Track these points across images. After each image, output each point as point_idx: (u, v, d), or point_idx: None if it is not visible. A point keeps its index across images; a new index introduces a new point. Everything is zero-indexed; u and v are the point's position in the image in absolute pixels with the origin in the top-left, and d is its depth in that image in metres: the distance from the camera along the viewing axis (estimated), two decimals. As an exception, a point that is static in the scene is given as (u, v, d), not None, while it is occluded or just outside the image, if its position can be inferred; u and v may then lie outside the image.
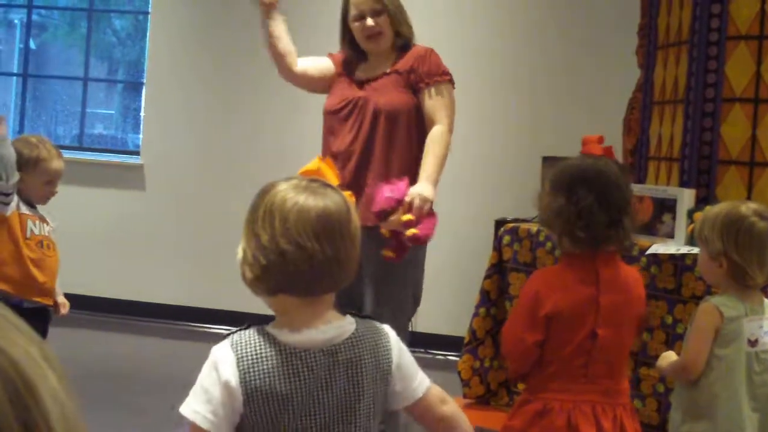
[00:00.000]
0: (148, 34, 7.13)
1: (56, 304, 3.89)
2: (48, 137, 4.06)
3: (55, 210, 3.96)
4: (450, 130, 4.00)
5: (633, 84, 5.34)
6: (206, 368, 1.84)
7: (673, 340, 4.12)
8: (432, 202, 3.69)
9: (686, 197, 4.41)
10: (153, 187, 6.99)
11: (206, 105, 6.88)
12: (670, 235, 4.41)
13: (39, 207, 3.89)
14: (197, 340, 6.50)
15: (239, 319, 6.12)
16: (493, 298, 4.93)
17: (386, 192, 3.64)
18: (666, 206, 4.45)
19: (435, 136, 3.93)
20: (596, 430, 2.61)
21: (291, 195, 1.85)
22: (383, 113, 3.97)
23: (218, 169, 6.83)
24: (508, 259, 4.91)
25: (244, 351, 1.83)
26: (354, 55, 4.17)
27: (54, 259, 3.87)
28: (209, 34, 6.93)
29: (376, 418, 1.92)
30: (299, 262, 1.81)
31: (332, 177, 2.11)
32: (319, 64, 4.22)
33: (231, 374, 1.81)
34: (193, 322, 6.79)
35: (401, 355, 1.95)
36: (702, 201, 4.46)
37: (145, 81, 7.16)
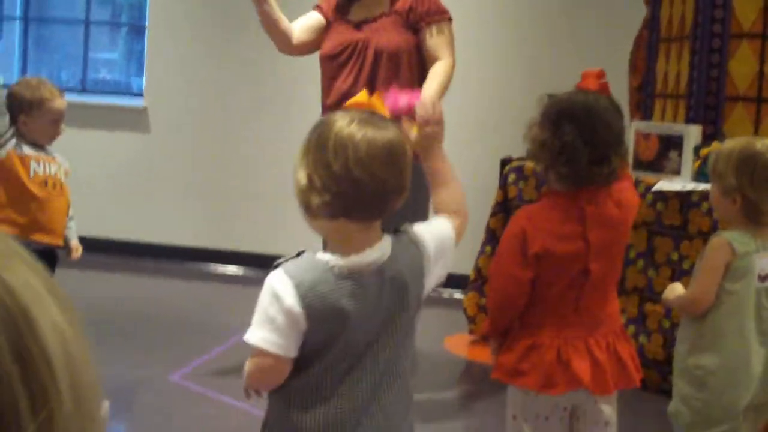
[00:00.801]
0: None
1: (68, 247, 3.91)
2: (52, 81, 4.06)
3: (61, 153, 3.97)
4: (453, 65, 4.01)
5: (639, 21, 5.30)
6: (266, 298, 1.90)
7: (679, 276, 4.13)
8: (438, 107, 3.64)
9: (693, 134, 4.40)
10: (157, 129, 6.98)
11: (208, 46, 6.85)
12: (677, 172, 4.40)
13: (51, 150, 3.89)
14: (205, 280, 6.53)
15: (244, 259, 6.14)
16: (499, 236, 4.93)
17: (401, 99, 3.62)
18: (672, 143, 4.44)
19: (437, 68, 3.96)
20: (590, 362, 2.60)
21: (358, 128, 1.93)
22: (385, 54, 3.95)
23: (221, 109, 6.81)
24: (514, 198, 4.91)
25: (301, 277, 1.90)
26: None
27: (62, 199, 3.87)
28: None
29: (415, 321, 2.06)
30: (370, 189, 1.91)
31: (383, 110, 2.11)
32: (308, 23, 4.17)
33: (292, 300, 1.88)
34: (201, 262, 6.82)
35: (427, 244, 2.07)
36: (709, 138, 4.45)
37: (147, 24, 7.12)
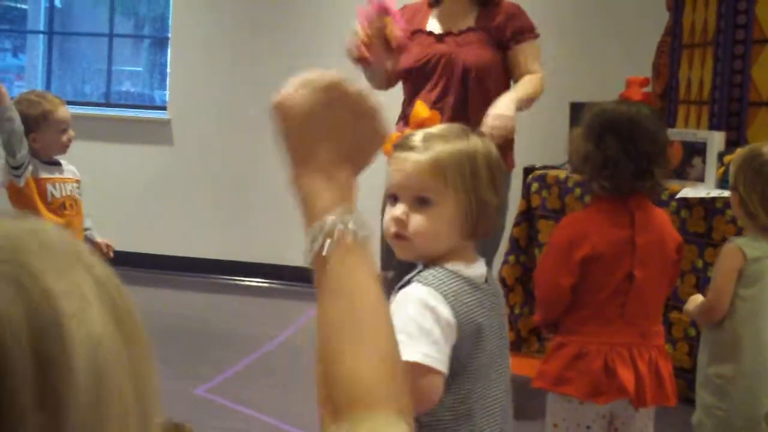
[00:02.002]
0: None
1: (97, 245, 3.94)
2: (76, 94, 4.11)
3: (85, 166, 4.00)
4: (544, 78, 3.94)
5: (662, 28, 5.28)
6: (416, 311, 1.84)
7: (703, 284, 4.10)
8: (509, 118, 3.62)
9: (716, 140, 4.38)
10: (181, 142, 7.01)
11: (231, 58, 6.87)
12: (700, 179, 4.38)
13: (65, 163, 3.92)
14: (229, 292, 6.54)
15: (269, 272, 6.14)
16: (522, 246, 4.92)
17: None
18: (696, 150, 4.41)
19: (530, 76, 3.89)
20: (633, 372, 2.61)
21: (490, 147, 1.95)
22: (474, 70, 3.83)
23: (244, 122, 6.83)
24: (537, 206, 4.89)
25: (444, 288, 1.87)
26: (420, 8, 4.02)
27: (80, 217, 3.91)
28: None
29: None
30: (495, 209, 1.94)
31: (439, 121, 2.12)
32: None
33: (447, 311, 1.85)
34: (223, 275, 6.83)
35: None
36: (732, 144, 4.42)
37: (170, 36, 7.15)
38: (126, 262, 6.82)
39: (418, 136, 1.94)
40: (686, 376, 4.21)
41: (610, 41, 6.22)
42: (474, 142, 1.94)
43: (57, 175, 3.85)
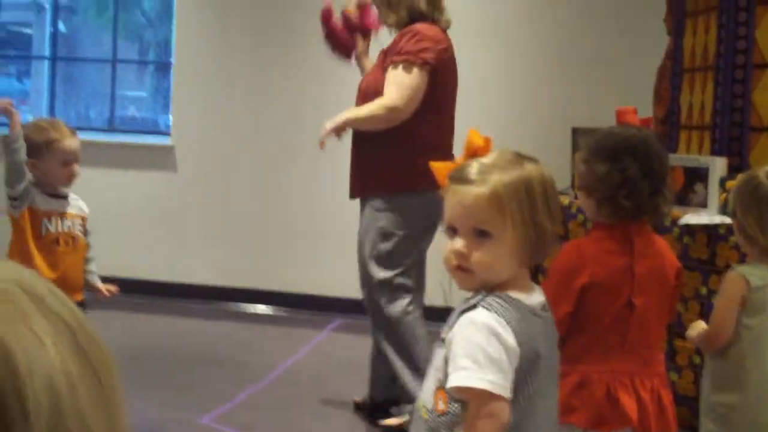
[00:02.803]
0: (174, 13, 7.13)
1: (96, 291, 3.86)
2: (79, 120, 4.07)
3: (87, 192, 3.96)
4: (389, 103, 4.18)
5: (662, 52, 5.28)
6: (481, 337, 1.86)
7: (707, 311, 4.08)
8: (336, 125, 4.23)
9: (718, 166, 4.37)
10: (184, 168, 7.01)
11: (235, 84, 6.88)
12: (703, 205, 4.37)
13: (74, 198, 3.82)
14: (233, 319, 6.53)
15: (272, 299, 6.13)
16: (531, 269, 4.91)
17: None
18: (698, 175, 4.41)
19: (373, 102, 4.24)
20: (635, 400, 2.61)
21: (544, 171, 1.99)
22: (362, 93, 4.37)
23: (248, 149, 6.84)
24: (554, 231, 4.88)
25: (508, 315, 1.89)
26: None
27: (76, 254, 3.77)
28: (237, 11, 6.92)
29: None
30: (552, 235, 1.97)
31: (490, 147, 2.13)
32: None
33: (512, 338, 1.86)
34: (226, 302, 6.83)
35: None
36: (734, 169, 4.41)
37: (173, 61, 7.17)
38: (128, 288, 6.82)
39: (474, 168, 1.96)
40: (691, 404, 4.20)
41: (610, 66, 6.23)
42: (529, 169, 1.96)
43: (57, 209, 3.74)
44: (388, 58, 4.26)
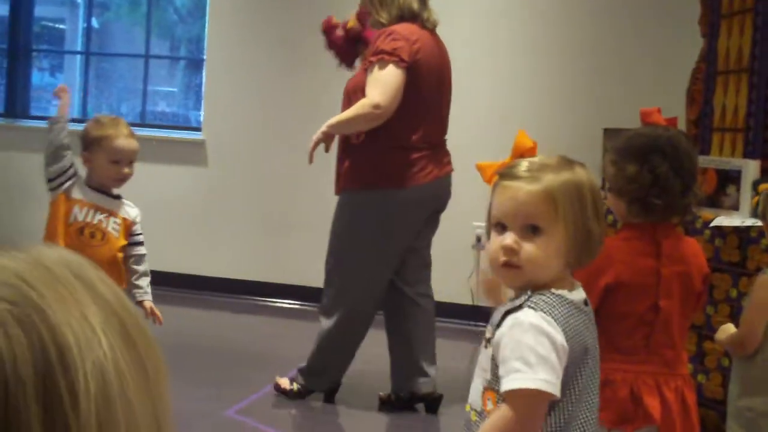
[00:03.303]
0: (207, 10, 7.16)
1: (145, 310, 3.77)
2: (111, 113, 4.06)
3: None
4: (371, 102, 4.30)
5: (696, 54, 5.26)
6: (531, 337, 1.86)
7: (737, 314, 4.06)
8: (321, 133, 4.41)
9: (751, 168, 4.35)
10: (215, 163, 7.05)
11: (266, 80, 6.91)
12: (735, 207, 4.35)
13: (127, 203, 3.75)
14: (262, 313, 6.55)
15: (301, 293, 6.14)
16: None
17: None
18: (730, 178, 4.38)
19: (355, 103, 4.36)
20: (659, 401, 2.61)
21: (592, 178, 2.02)
22: (346, 95, 4.53)
23: (279, 143, 6.85)
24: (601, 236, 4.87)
25: (555, 312, 1.90)
26: None
27: (103, 249, 3.63)
28: (269, 9, 6.95)
29: None
30: (598, 238, 1.98)
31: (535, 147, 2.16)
32: None
33: (559, 335, 1.87)
34: (257, 296, 6.85)
35: None
36: (767, 172, 4.39)
37: (205, 58, 7.20)
38: (159, 282, 6.85)
39: (524, 166, 1.98)
40: (718, 407, 4.17)
41: (643, 68, 6.20)
42: (579, 173, 1.99)
43: (96, 203, 3.65)
44: (366, 60, 4.40)
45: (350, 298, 4.51)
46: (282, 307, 6.73)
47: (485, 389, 1.94)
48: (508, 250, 1.93)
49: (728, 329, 3.02)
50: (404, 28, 4.37)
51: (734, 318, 4.07)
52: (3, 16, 7.90)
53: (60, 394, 0.64)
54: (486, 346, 1.96)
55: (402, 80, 4.30)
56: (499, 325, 1.93)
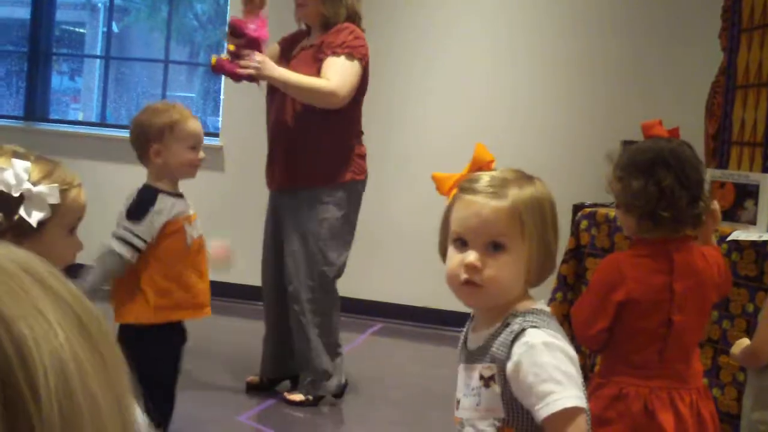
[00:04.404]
0: (227, 17, 7.18)
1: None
2: (130, 119, 3.86)
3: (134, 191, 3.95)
4: (331, 88, 4.40)
5: (716, 68, 5.25)
6: (552, 356, 1.82)
7: (753, 328, 4.05)
8: (264, 73, 4.37)
9: (769, 183, 4.33)
10: (232, 169, 7.06)
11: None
12: (752, 222, 4.33)
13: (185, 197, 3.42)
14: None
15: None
16: (570, 283, 4.89)
17: (251, 25, 4.44)
18: (748, 192, 4.37)
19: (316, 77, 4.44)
20: (674, 415, 2.60)
21: (549, 192, 1.99)
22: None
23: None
24: (586, 244, 4.86)
25: (554, 326, 1.89)
26: (304, 32, 4.78)
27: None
28: (287, 16, 6.95)
29: None
30: (555, 254, 1.98)
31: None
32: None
33: (568, 347, 1.86)
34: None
35: None
36: (786, 187, 4.37)
37: (224, 64, 7.21)
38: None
39: (485, 180, 1.91)
40: (734, 421, 4.16)
41: (663, 81, 6.19)
42: (540, 187, 1.95)
43: (186, 211, 3.41)
44: (326, 49, 4.46)
45: (336, 294, 4.72)
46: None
47: (500, 427, 1.88)
48: (471, 269, 1.87)
49: (743, 344, 3.02)
50: (358, 30, 4.58)
51: (750, 333, 4.04)
52: (24, 20, 7.94)
53: (20, 389, 0.62)
54: (488, 386, 1.89)
55: (359, 79, 4.50)
56: (507, 357, 1.86)
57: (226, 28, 4.58)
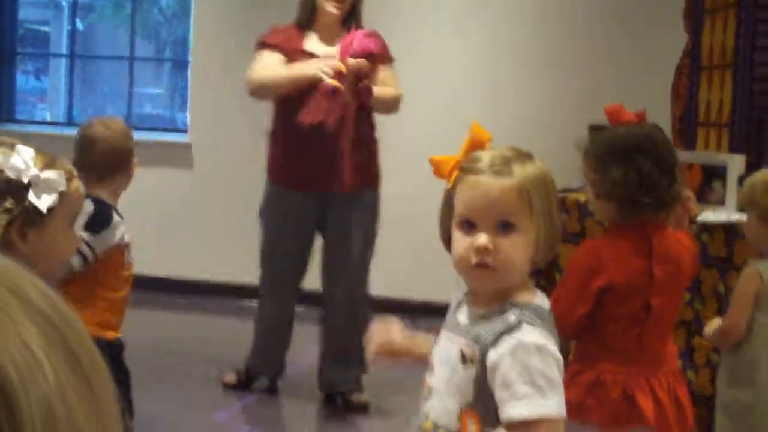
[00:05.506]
0: (192, 11, 7.14)
1: None
2: (97, 115, 3.80)
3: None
4: (401, 95, 4.54)
5: (681, 50, 5.26)
6: (538, 359, 1.77)
7: (725, 309, 4.06)
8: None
9: (736, 163, 4.35)
10: (200, 166, 7.03)
11: (252, 82, 6.89)
12: (721, 202, 4.35)
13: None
14: (246, 316, 6.51)
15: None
16: (543, 269, 4.90)
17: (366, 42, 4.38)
18: (716, 173, 4.39)
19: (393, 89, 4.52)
20: (653, 400, 2.60)
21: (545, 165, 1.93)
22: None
23: (265, 146, 6.84)
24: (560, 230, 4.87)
25: (545, 326, 1.83)
26: (298, 28, 4.63)
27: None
28: (254, 10, 6.93)
29: None
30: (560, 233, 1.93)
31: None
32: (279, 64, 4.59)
33: (556, 350, 1.81)
34: (246, 299, 6.82)
35: None
36: (753, 167, 4.39)
37: (190, 59, 7.18)
38: (144, 285, 6.83)
39: (488, 159, 1.86)
40: (708, 403, 4.18)
41: (628, 64, 6.21)
42: (539, 164, 1.90)
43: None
44: (381, 55, 4.49)
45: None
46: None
47: (465, 410, 1.84)
48: (483, 250, 1.82)
49: (714, 323, 3.05)
50: None
51: (722, 313, 4.06)
52: (-14, 20, 7.87)
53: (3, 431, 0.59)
54: (465, 364, 1.85)
55: None
56: (493, 344, 1.81)
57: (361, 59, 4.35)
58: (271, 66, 4.52)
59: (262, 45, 4.63)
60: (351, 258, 4.60)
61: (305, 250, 4.70)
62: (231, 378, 4.79)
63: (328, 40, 4.54)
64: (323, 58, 4.34)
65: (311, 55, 4.48)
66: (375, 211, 4.64)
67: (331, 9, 4.48)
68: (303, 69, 4.36)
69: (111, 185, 3.24)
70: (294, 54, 4.50)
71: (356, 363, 4.55)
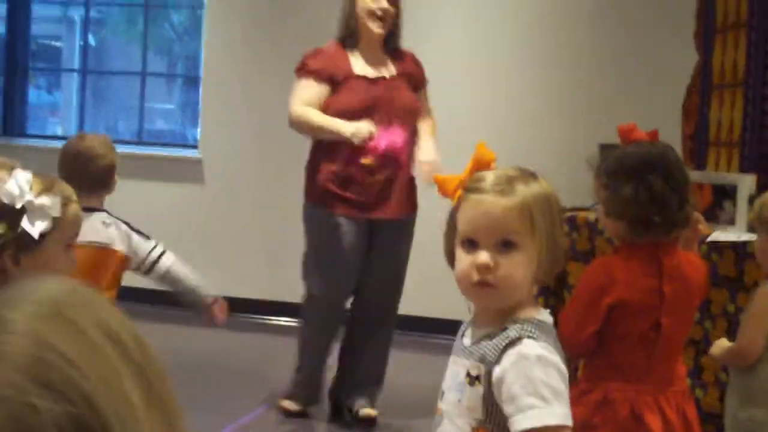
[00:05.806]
0: (203, 28, 7.17)
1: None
2: (108, 132, 3.95)
3: (115, 204, 3.94)
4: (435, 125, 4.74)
5: (691, 69, 5.27)
6: (540, 370, 1.80)
7: (734, 329, 4.05)
8: (439, 163, 4.43)
9: (747, 183, 4.35)
10: (211, 181, 7.04)
11: (263, 97, 6.91)
12: (731, 222, 4.35)
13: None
14: (260, 332, 6.52)
15: (296, 311, 6.11)
16: (552, 288, 4.89)
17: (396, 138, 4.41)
18: (726, 193, 4.38)
19: (431, 122, 4.70)
20: (661, 419, 2.59)
21: (553, 190, 1.95)
22: (407, 110, 4.55)
23: (276, 162, 6.85)
24: (566, 248, 4.87)
25: (551, 339, 1.85)
26: (340, 46, 4.61)
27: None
28: (265, 26, 6.96)
29: None
30: (565, 252, 1.97)
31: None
32: (318, 100, 4.55)
33: (560, 362, 1.83)
34: (256, 314, 6.83)
35: None
36: (763, 187, 4.39)
37: (202, 75, 7.20)
38: (156, 300, 6.84)
39: (492, 179, 1.89)
40: (717, 421, 4.17)
41: (639, 83, 6.21)
42: (543, 184, 1.93)
43: None
44: (418, 79, 4.70)
45: None
46: (280, 325, 6.70)
47: (476, 429, 1.86)
48: (484, 268, 1.85)
49: (722, 344, 3.03)
50: None
51: (731, 333, 4.05)
52: (-1, 35, 7.91)
53: None
54: (473, 384, 1.87)
55: None
56: (497, 361, 1.84)
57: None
58: (310, 108, 4.54)
59: (304, 70, 4.60)
60: (389, 280, 4.70)
61: (354, 273, 4.67)
62: (290, 405, 4.72)
63: (373, 62, 4.59)
64: (359, 127, 4.32)
65: (363, 79, 4.52)
66: (412, 235, 4.73)
67: (376, 29, 4.52)
68: (340, 128, 4.37)
69: (102, 197, 3.53)
70: (345, 79, 4.51)
71: (374, 383, 4.56)
